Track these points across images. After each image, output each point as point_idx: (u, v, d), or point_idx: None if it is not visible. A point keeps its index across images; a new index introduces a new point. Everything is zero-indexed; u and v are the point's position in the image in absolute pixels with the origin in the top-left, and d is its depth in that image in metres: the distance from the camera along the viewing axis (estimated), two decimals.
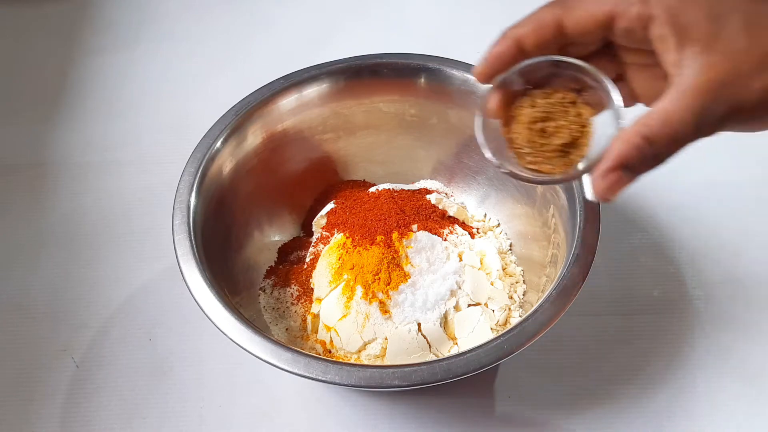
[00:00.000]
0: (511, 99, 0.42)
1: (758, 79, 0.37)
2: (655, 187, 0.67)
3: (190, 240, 0.51)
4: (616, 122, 0.40)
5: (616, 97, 0.40)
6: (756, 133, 0.40)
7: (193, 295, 0.49)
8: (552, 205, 0.56)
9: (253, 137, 0.59)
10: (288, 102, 0.60)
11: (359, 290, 0.53)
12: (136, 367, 0.58)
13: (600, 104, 0.41)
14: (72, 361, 0.58)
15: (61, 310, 0.61)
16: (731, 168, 0.68)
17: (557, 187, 0.55)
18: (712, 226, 0.64)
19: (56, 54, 0.80)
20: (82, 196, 0.68)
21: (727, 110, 0.37)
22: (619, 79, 0.42)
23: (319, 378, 0.45)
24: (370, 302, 0.52)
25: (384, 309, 0.53)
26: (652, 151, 0.38)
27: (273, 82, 0.59)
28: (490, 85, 0.42)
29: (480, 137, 0.42)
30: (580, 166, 0.41)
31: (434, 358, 0.53)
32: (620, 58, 0.42)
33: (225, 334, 0.47)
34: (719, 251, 0.62)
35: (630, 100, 0.43)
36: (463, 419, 0.54)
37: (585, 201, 0.52)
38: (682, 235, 0.64)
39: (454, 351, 0.53)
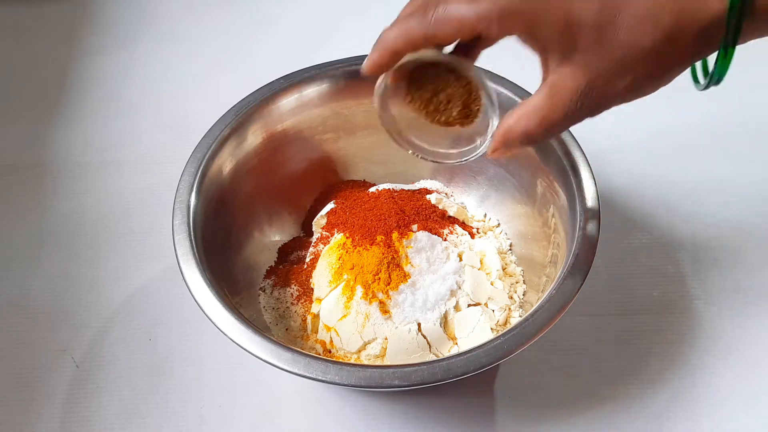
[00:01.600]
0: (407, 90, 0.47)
1: (617, 82, 0.40)
2: (655, 187, 0.67)
3: (190, 240, 0.51)
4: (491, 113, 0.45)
5: (489, 91, 0.45)
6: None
7: (193, 295, 0.49)
8: (552, 205, 0.56)
9: (253, 137, 0.59)
10: (288, 102, 0.60)
11: (359, 290, 0.53)
12: (136, 367, 0.58)
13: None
14: (72, 361, 0.58)
15: (61, 310, 0.61)
16: (731, 168, 0.68)
17: (557, 186, 0.55)
18: (712, 226, 0.64)
19: (56, 54, 0.80)
20: (82, 196, 0.68)
21: (592, 109, 0.42)
22: None
23: (319, 378, 0.45)
24: (370, 302, 0.52)
25: (384, 309, 0.53)
26: (528, 141, 0.43)
27: (273, 82, 0.59)
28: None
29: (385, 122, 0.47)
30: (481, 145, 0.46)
31: (434, 358, 0.53)
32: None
33: (225, 334, 0.47)
34: (719, 251, 0.63)
35: None
36: (463, 419, 0.54)
37: (585, 201, 0.52)
38: (682, 235, 0.64)
39: (454, 351, 0.53)
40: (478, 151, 0.47)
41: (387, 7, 0.89)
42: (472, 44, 0.45)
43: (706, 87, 0.44)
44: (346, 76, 0.60)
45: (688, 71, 0.44)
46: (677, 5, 0.39)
